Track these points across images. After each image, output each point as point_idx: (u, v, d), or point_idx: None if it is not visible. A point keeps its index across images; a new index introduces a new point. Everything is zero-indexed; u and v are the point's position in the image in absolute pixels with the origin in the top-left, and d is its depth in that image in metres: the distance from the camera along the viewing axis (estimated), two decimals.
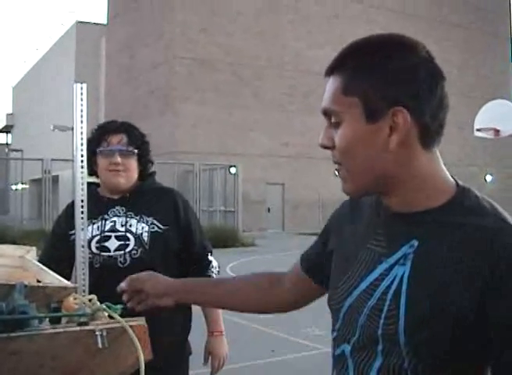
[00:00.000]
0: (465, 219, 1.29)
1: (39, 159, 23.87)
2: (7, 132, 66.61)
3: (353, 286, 1.42)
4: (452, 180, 1.38)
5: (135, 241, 2.84)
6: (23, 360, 1.74)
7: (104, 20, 41.78)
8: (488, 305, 1.21)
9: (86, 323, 1.83)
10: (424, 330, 1.25)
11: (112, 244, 2.85)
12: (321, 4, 34.51)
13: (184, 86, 30.84)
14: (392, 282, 1.32)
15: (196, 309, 2.76)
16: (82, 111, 2.52)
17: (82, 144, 2.55)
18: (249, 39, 31.93)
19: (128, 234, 2.86)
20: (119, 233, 2.87)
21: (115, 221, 2.91)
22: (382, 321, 1.32)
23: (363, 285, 1.39)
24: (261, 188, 30.73)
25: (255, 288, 1.87)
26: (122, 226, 2.88)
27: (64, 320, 1.94)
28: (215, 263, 3.04)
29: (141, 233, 2.85)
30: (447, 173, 1.38)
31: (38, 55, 57.07)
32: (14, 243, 2.81)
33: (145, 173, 3.04)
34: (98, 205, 2.90)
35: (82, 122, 2.53)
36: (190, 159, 26.71)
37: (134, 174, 2.96)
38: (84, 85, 2.53)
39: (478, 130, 14.95)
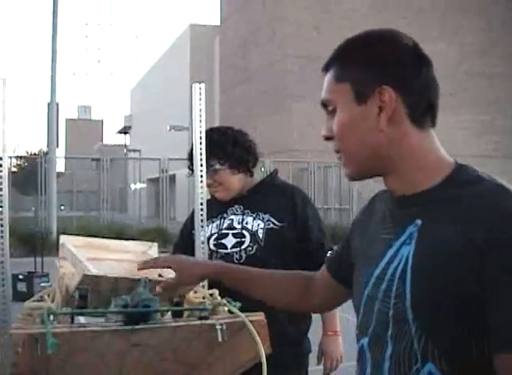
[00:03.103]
0: (464, 192, 1.32)
1: (156, 159, 24.35)
2: (125, 133, 68.52)
3: (368, 276, 1.45)
4: (450, 159, 1.42)
5: (250, 237, 2.89)
6: (146, 352, 1.79)
7: (217, 22, 42.40)
8: (483, 271, 1.21)
9: (206, 318, 1.88)
10: (430, 303, 1.27)
11: (229, 241, 2.92)
12: None
13: (297, 84, 30.82)
14: (399, 262, 1.35)
15: None
16: (201, 111, 2.56)
17: (201, 144, 2.59)
18: None
19: (244, 231, 2.92)
20: (236, 231, 2.93)
21: (232, 219, 2.98)
22: (392, 301, 1.34)
23: (376, 272, 1.42)
24: (376, 185, 30.35)
25: (293, 287, 1.91)
26: (238, 223, 2.94)
27: (185, 314, 2.00)
28: None
29: (257, 230, 2.90)
30: (444, 152, 1.42)
31: (154, 58, 58.30)
32: (133, 240, 2.90)
33: (250, 171, 3.05)
34: (219, 205, 2.99)
35: (201, 121, 2.57)
36: (304, 158, 26.68)
37: (232, 182, 2.99)
38: (203, 85, 2.56)
39: None
